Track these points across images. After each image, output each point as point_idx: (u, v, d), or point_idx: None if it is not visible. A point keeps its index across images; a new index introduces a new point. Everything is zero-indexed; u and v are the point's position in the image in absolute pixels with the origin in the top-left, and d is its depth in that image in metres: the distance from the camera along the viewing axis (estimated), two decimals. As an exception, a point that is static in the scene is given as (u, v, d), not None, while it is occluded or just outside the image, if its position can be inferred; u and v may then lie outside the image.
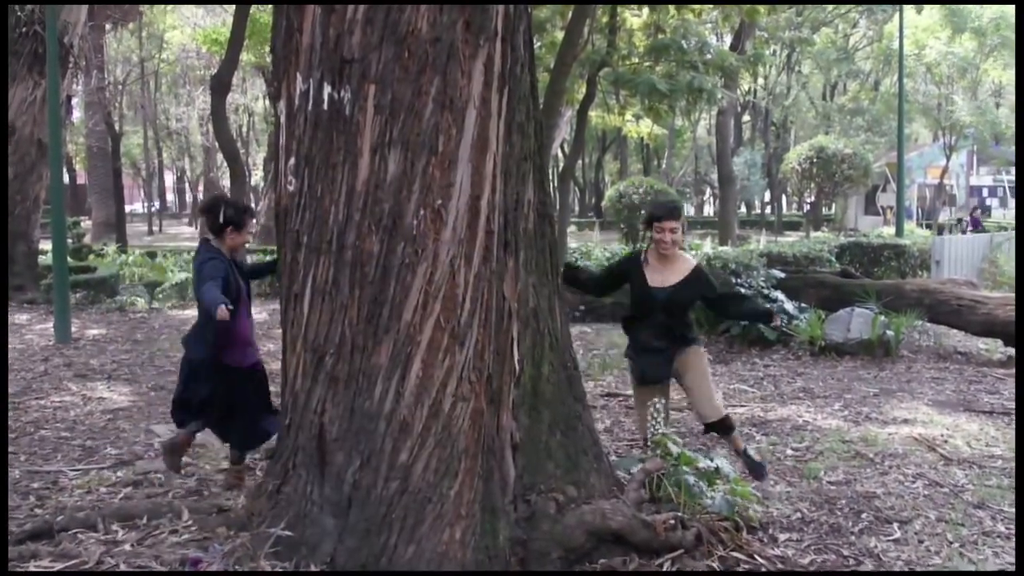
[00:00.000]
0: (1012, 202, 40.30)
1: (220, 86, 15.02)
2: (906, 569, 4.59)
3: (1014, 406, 8.07)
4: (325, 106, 3.94)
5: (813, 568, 4.57)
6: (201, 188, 50.15)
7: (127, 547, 4.62)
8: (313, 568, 3.69)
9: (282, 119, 4.16)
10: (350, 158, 3.89)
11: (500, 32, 3.96)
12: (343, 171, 3.90)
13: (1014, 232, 18.95)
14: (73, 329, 11.89)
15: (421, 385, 3.88)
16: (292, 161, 4.07)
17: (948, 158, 36.91)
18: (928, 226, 31.23)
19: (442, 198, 3.83)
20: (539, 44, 15.98)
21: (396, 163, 3.83)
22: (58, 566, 4.33)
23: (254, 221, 5.84)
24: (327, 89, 3.92)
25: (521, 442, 4.44)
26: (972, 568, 4.48)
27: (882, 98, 41.23)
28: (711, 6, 16.99)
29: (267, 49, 18.88)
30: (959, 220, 30.00)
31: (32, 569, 4.31)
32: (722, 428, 5.95)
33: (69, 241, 16.39)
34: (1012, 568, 4.61)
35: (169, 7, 31.91)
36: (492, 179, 3.96)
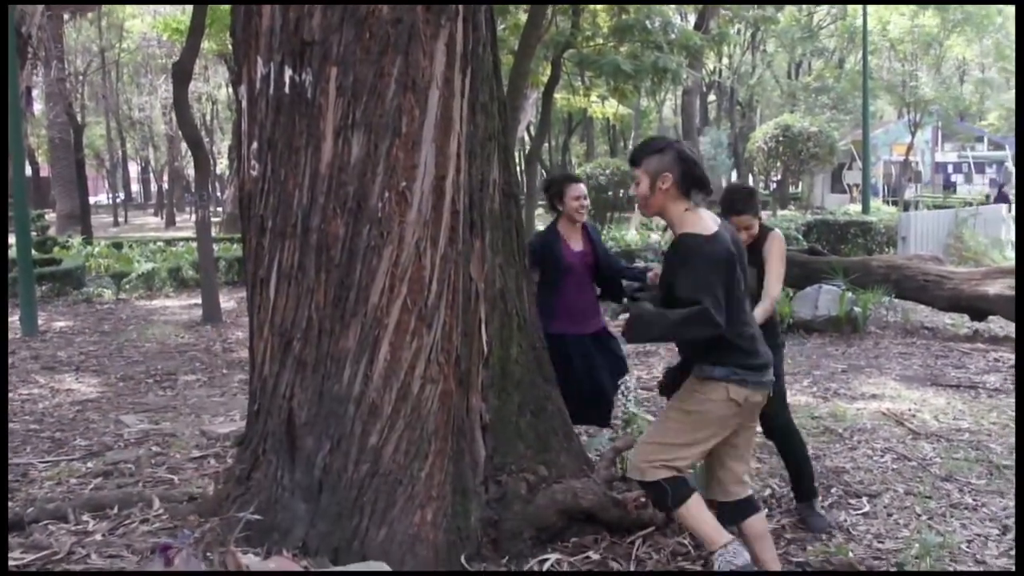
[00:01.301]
0: (976, 178, 40.65)
1: (182, 74, 14.84)
2: (875, 543, 4.64)
3: (981, 380, 8.17)
4: (287, 89, 3.90)
5: (783, 543, 4.60)
6: (166, 178, 49.68)
7: (98, 537, 4.59)
8: (285, 553, 3.67)
9: (244, 104, 4.12)
10: (313, 141, 3.86)
11: (461, 12, 3.94)
12: (306, 154, 3.87)
13: (978, 208, 19.13)
14: (40, 321, 11.79)
15: (389, 368, 3.86)
16: (255, 146, 4.03)
17: (913, 135, 37.07)
18: (894, 203, 31.44)
19: (407, 180, 3.81)
20: (503, 26, 15.93)
21: (360, 145, 3.81)
22: (28, 557, 4.29)
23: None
24: (288, 72, 3.89)
25: (491, 423, 4.44)
26: (940, 540, 4.53)
27: (847, 76, 41.31)
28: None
29: (228, 36, 18.75)
30: (987, 197, 29.89)
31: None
32: None
33: (33, 234, 16.22)
34: (982, 541, 4.66)
35: (129, -5, 31.52)
36: (456, 159, 3.94)
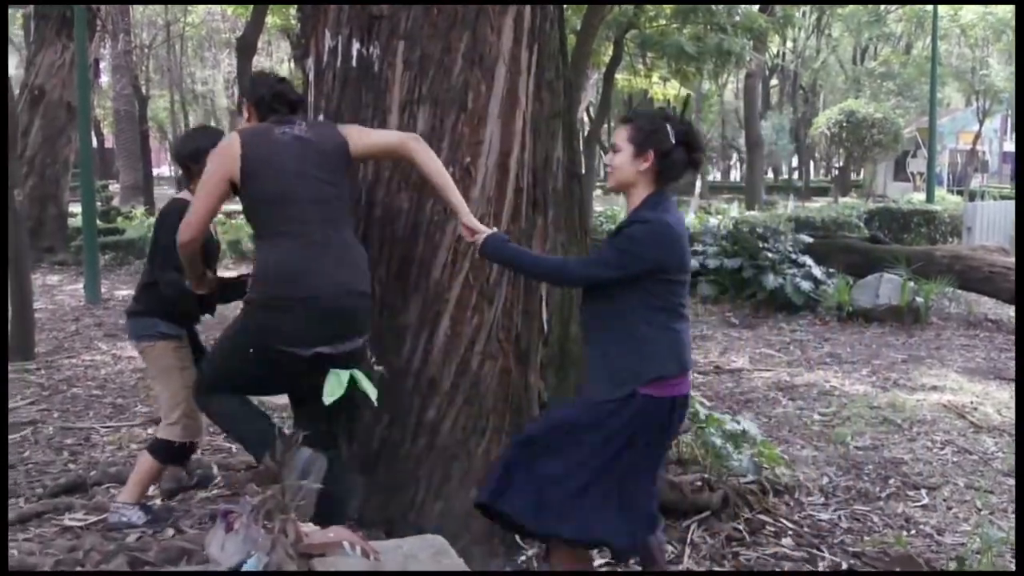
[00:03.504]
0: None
1: (246, 48, 15.01)
2: (934, 535, 4.57)
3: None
4: (354, 63, 3.91)
5: (840, 532, 4.56)
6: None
7: (157, 502, 4.68)
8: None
9: (311, 76, 4.14)
10: (379, 115, 3.86)
11: (529, -11, 3.92)
12: (372, 127, 3.87)
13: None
14: (103, 289, 11.98)
15: (449, 343, 3.87)
16: (321, 118, 4.05)
17: (981, 123, 36.43)
18: (959, 192, 30.87)
19: (471, 155, 3.81)
20: (566, 7, 15.84)
21: (425, 120, 3.81)
22: (92, 518, 4.40)
23: None
24: (356, 45, 3.89)
25: (548, 401, 4.44)
26: (1002, 535, 4.45)
27: (914, 62, 40.66)
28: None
29: (292, 11, 18.84)
30: None
31: (67, 522, 4.38)
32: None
33: (98, 204, 16.47)
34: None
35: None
36: (521, 137, 3.93)
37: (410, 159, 3.54)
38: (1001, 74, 34.61)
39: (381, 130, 3.74)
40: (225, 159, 3.48)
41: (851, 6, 37.62)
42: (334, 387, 3.31)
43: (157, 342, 4.33)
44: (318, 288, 3.37)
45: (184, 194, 4.34)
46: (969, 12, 34.70)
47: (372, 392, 3.40)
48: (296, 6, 4.56)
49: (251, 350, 3.42)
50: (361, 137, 3.58)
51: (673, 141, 3.28)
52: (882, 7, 40.86)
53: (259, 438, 3.45)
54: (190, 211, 3.57)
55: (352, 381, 3.36)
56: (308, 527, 2.67)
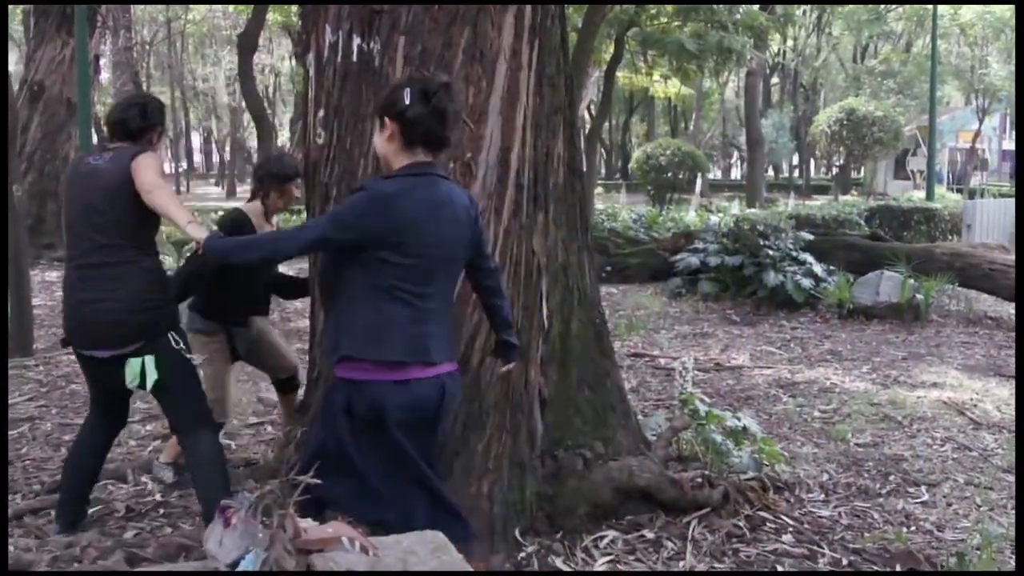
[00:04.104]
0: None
1: (247, 45, 15.01)
2: (935, 531, 4.57)
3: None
4: (354, 58, 3.90)
5: (840, 529, 4.55)
6: (228, 148, 50.26)
7: (157, 497, 4.68)
8: (341, 519, 3.70)
9: (311, 72, 4.13)
10: (379, 110, 3.85)
11: (530, -16, 3.91)
12: (372, 123, 3.86)
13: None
14: (102, 286, 11.93)
15: (449, 339, 3.86)
16: (321, 114, 4.04)
17: (981, 122, 36.41)
18: (959, 191, 30.86)
19: (472, 151, 3.80)
20: (567, 6, 15.84)
21: (426, 115, 3.79)
22: (89, 510, 4.39)
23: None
24: (356, 40, 3.88)
25: (549, 398, 4.43)
26: (1002, 531, 4.45)
27: (914, 60, 40.66)
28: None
29: (294, 9, 18.83)
30: None
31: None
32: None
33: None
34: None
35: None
36: (522, 132, 3.92)
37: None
38: (1000, 73, 34.60)
39: (143, 175, 3.78)
40: None
41: (850, 6, 37.61)
42: (129, 375, 3.83)
43: (194, 335, 4.62)
44: (68, 306, 3.95)
45: (245, 205, 4.96)
46: (969, 11, 34.71)
47: (151, 377, 3.82)
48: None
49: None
50: (136, 172, 3.78)
51: (408, 101, 3.14)
52: (882, 6, 40.87)
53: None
54: None
55: (143, 370, 3.83)
56: (307, 523, 2.66)
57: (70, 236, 3.92)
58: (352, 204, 3.15)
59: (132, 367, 3.81)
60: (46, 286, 12.49)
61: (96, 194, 3.80)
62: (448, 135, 3.22)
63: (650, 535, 4.28)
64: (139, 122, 3.99)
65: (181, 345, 3.96)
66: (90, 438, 4.24)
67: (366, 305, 3.14)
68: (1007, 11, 33.81)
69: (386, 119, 3.18)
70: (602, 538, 4.21)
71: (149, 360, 3.81)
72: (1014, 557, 4.22)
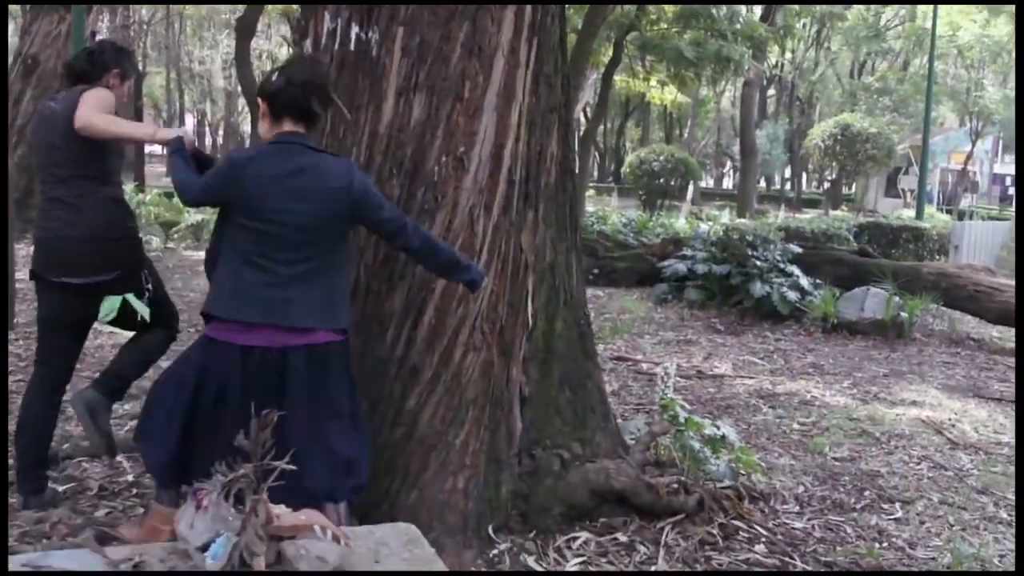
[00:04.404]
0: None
1: (245, 29, 14.99)
2: (906, 548, 4.58)
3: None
4: (352, 46, 3.90)
5: (813, 541, 4.56)
6: (221, 132, 50.11)
7: (129, 477, 4.66)
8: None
9: (308, 58, 4.12)
10: (374, 100, 3.85)
11: (532, -19, 3.91)
12: (367, 113, 3.86)
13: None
14: (87, 264, 11.88)
15: (433, 332, 3.86)
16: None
17: (973, 144, 36.54)
18: (948, 211, 31.01)
19: (465, 145, 3.80)
20: (568, 6, 15.85)
21: (421, 107, 3.80)
22: (61, 488, 4.37)
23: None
24: (355, 29, 3.88)
25: (530, 396, 4.43)
26: (972, 551, 4.46)
27: (910, 79, 40.74)
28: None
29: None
30: None
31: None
32: None
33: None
34: (1012, 554, 4.59)
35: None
36: (516, 129, 3.92)
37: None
38: (995, 96, 34.75)
39: (79, 111, 3.87)
40: None
41: (850, 22, 37.71)
42: (106, 309, 3.87)
43: None
44: (36, 239, 4.15)
45: None
46: (967, 33, 34.82)
47: (143, 310, 3.90)
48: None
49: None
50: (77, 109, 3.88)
51: (274, 78, 3.43)
52: (882, 23, 40.99)
53: None
54: None
55: (124, 303, 3.87)
56: (280, 509, 2.65)
57: (39, 175, 4.11)
58: (216, 169, 3.49)
59: (111, 302, 3.88)
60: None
61: (54, 132, 3.96)
62: (309, 105, 3.42)
63: (623, 538, 4.28)
64: (84, 65, 4.14)
65: (150, 284, 4.13)
66: (38, 396, 4.26)
67: (228, 267, 3.38)
68: (1005, 34, 33.98)
69: (259, 100, 3.45)
70: (575, 539, 4.21)
71: (131, 298, 3.89)
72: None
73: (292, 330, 3.31)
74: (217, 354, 3.36)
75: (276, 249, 3.31)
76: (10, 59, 15.09)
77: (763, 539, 4.48)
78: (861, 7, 38.03)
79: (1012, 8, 31.94)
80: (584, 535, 4.25)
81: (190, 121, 64.17)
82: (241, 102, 36.06)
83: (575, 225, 4.88)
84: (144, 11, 35.04)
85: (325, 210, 3.34)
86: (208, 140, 61.49)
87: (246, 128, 43.16)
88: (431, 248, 3.55)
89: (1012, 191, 41.11)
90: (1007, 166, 42.68)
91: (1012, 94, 35.82)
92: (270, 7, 21.95)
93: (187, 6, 37.55)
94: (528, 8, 3.91)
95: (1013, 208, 34.56)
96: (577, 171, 5.55)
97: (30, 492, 4.12)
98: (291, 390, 3.33)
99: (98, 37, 23.52)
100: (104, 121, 3.87)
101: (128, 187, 21.20)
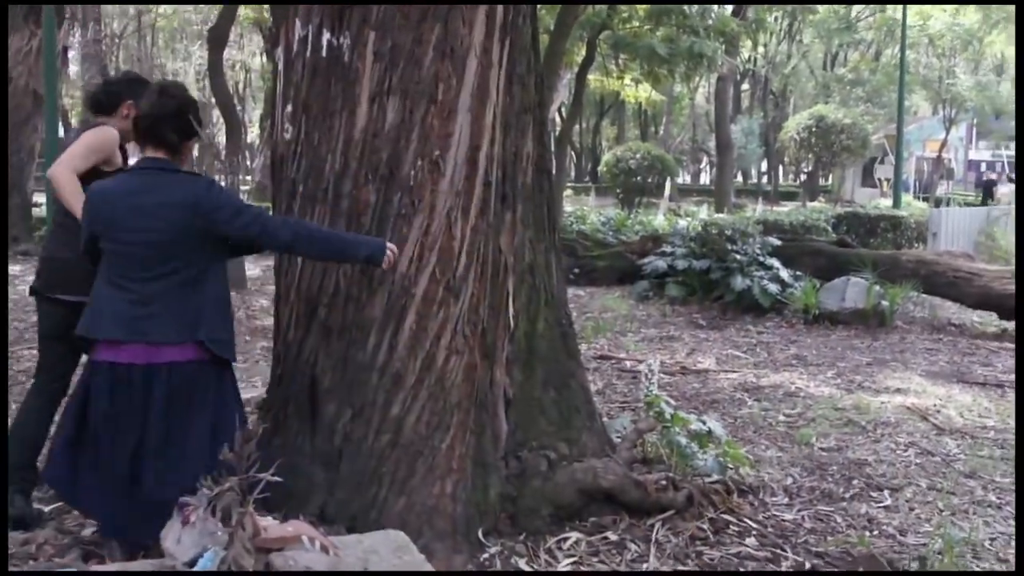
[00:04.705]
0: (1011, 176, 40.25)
1: (217, 40, 14.93)
2: (897, 536, 4.59)
3: (1008, 379, 8.07)
4: (324, 52, 3.87)
5: (803, 532, 4.56)
6: (196, 144, 49.84)
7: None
8: (303, 518, 3.66)
9: (280, 66, 4.10)
10: (348, 106, 3.83)
11: (502, -19, 3.89)
12: (341, 119, 3.84)
13: (1013, 207, 18.92)
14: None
15: (415, 337, 3.84)
16: (289, 108, 4.01)
17: (947, 131, 36.76)
18: (925, 199, 31.17)
19: (440, 148, 3.78)
20: (540, 7, 15.86)
21: (395, 112, 3.77)
22: (47, 508, 4.32)
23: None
24: (326, 35, 3.86)
25: (514, 398, 4.41)
26: (963, 536, 4.47)
27: (883, 69, 40.97)
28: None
29: (266, 5, 18.71)
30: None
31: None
32: None
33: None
34: (1006, 539, 4.61)
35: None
36: (491, 130, 3.90)
37: None
38: (967, 83, 34.97)
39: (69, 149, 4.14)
40: None
41: (821, 14, 37.88)
42: None
43: None
44: (42, 251, 4.52)
45: None
46: (938, 22, 35.03)
47: None
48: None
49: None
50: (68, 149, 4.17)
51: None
52: (852, 14, 41.18)
53: None
54: None
55: None
56: (267, 521, 2.63)
57: (53, 203, 4.44)
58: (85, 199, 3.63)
59: None
60: (9, 280, 12.33)
61: None
62: (163, 134, 3.49)
63: (614, 537, 4.27)
64: (100, 96, 4.34)
65: None
66: (36, 404, 4.34)
67: (97, 290, 3.49)
68: (976, 22, 34.21)
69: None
70: (565, 539, 4.19)
71: None
72: (975, 562, 4.25)
73: (155, 345, 3.37)
74: (96, 375, 3.45)
75: (130, 268, 3.41)
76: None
77: (754, 532, 4.47)
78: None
79: (980, -5, 32.22)
80: (574, 535, 4.23)
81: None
82: (216, 113, 35.90)
83: (553, 225, 4.87)
84: (116, 24, 34.88)
85: (169, 227, 3.38)
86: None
87: (220, 139, 42.98)
88: (308, 236, 3.57)
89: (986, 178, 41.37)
90: (981, 152, 42.97)
91: (984, 80, 36.09)
92: (242, 17, 21.88)
93: (159, 19, 37.40)
94: (499, 8, 3.90)
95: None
96: (554, 171, 5.54)
97: (16, 491, 4.13)
98: (152, 408, 3.38)
99: (70, 52, 23.44)
100: (67, 186, 4.04)
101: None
